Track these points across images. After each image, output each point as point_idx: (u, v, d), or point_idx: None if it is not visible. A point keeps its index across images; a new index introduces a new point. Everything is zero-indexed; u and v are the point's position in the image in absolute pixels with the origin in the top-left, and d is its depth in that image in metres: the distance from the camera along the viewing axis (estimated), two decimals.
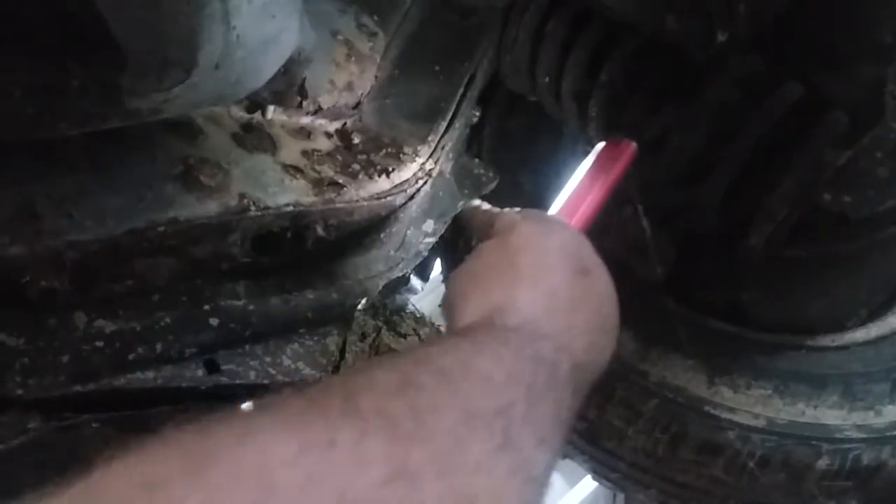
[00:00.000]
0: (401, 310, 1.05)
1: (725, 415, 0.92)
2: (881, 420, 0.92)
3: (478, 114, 0.91)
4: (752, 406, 0.92)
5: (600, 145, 0.78)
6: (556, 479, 2.57)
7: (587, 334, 0.55)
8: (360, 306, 0.85)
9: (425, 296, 1.19)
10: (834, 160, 0.80)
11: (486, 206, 0.78)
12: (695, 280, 0.97)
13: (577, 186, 0.75)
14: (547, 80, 0.90)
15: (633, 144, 0.78)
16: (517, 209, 0.69)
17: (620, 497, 1.88)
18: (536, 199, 1.06)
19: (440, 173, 0.86)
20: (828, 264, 0.95)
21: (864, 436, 0.91)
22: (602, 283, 0.60)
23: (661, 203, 0.92)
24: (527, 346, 0.49)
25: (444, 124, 0.85)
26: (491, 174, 0.89)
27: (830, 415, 0.92)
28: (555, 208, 0.74)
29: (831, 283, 0.98)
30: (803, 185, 0.81)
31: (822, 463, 0.91)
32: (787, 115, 0.81)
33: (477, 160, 0.93)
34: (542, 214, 0.69)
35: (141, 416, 0.74)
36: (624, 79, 0.88)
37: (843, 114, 0.79)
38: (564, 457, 1.13)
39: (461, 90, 0.85)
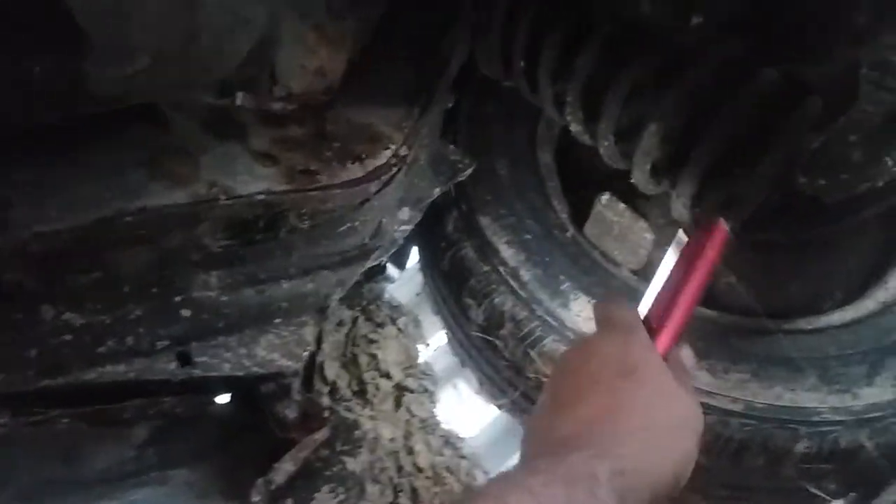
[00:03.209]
0: (377, 299, 1.04)
1: (704, 399, 0.92)
2: (858, 402, 0.92)
3: (453, 99, 0.90)
4: (730, 390, 0.92)
5: (686, 234, 0.72)
6: None
7: (635, 436, 0.51)
8: (335, 296, 0.84)
9: (402, 284, 1.18)
10: (809, 144, 0.80)
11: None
12: None
13: (666, 285, 0.68)
14: (522, 65, 0.89)
15: (725, 226, 0.70)
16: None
17: None
18: (513, 185, 1.06)
19: (415, 160, 0.85)
20: (803, 248, 0.96)
21: (842, 418, 0.91)
22: (651, 379, 0.56)
23: (637, 189, 0.92)
24: (559, 467, 0.47)
25: (419, 110, 0.84)
26: (467, 160, 0.88)
27: (808, 398, 0.92)
28: (643, 310, 0.68)
29: (807, 266, 0.99)
30: (779, 169, 0.81)
31: (801, 446, 0.91)
32: (764, 101, 0.81)
33: (452, 146, 0.92)
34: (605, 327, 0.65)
35: (113, 410, 0.73)
36: (600, 64, 0.87)
37: (818, 97, 0.79)
38: None
39: (435, 75, 0.84)
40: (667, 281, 0.68)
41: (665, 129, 0.84)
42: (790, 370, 0.93)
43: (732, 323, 0.96)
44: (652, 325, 0.65)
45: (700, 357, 0.94)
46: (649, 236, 0.95)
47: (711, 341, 0.95)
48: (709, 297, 0.97)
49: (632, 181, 0.91)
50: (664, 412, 0.54)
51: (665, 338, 0.63)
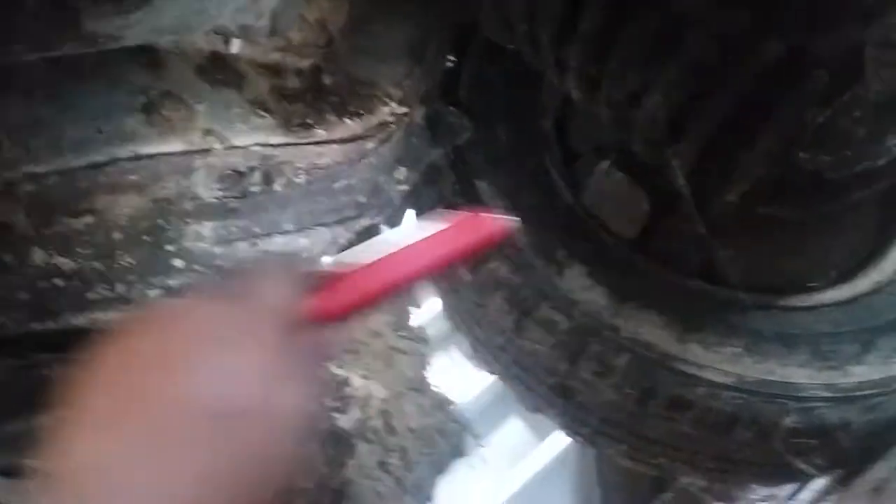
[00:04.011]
0: None
1: (695, 371, 0.92)
2: (848, 380, 0.92)
3: (453, 60, 0.89)
4: (721, 363, 0.92)
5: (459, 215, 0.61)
6: (526, 434, 2.60)
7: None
8: (329, 254, 0.84)
9: (396, 247, 1.17)
10: (813, 119, 0.79)
11: None
12: (668, 237, 0.97)
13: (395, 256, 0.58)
14: (525, 27, 0.88)
15: (502, 222, 0.60)
16: None
17: (591, 452, 1.91)
18: (512, 151, 1.05)
19: (414, 119, 0.84)
20: (801, 224, 0.95)
21: (832, 395, 0.91)
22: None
23: (637, 160, 0.91)
24: None
25: (419, 69, 0.83)
26: (465, 123, 0.87)
27: (799, 374, 0.92)
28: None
29: (804, 243, 0.98)
30: (782, 143, 0.81)
31: (789, 421, 0.92)
32: (768, 73, 0.80)
33: (452, 108, 0.91)
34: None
35: None
36: (603, 31, 0.86)
37: (825, 71, 0.78)
38: (536, 411, 1.14)
39: (437, 34, 0.83)
40: (399, 252, 0.59)
41: (667, 99, 0.83)
42: (783, 346, 0.93)
43: (727, 297, 0.95)
44: (334, 287, 0.56)
45: (693, 331, 0.95)
46: (646, 206, 0.95)
47: (705, 314, 0.94)
48: (705, 270, 0.97)
49: (632, 150, 0.91)
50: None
51: (333, 303, 0.55)
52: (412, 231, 0.59)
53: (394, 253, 0.57)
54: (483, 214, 0.60)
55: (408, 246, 0.58)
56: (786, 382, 0.92)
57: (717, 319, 0.94)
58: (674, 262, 0.97)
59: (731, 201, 0.86)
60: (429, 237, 0.58)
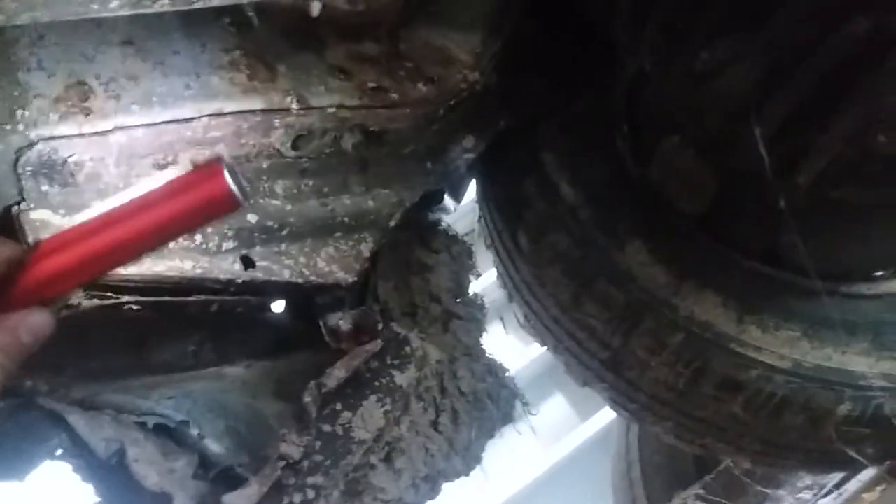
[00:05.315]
0: (434, 225, 1.06)
1: (751, 353, 0.92)
2: None
3: (528, 29, 0.89)
4: (779, 347, 0.91)
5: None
6: (568, 412, 2.63)
7: None
8: (396, 216, 0.86)
9: (459, 219, 1.18)
10: (893, 101, 0.77)
11: None
12: (733, 217, 0.96)
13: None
14: None
15: (227, 181, 0.53)
16: None
17: (634, 430, 1.92)
18: (582, 122, 1.04)
19: (486, 87, 0.85)
20: (871, 210, 0.93)
21: (889, 385, 0.90)
22: None
23: (708, 135, 0.90)
24: None
25: (495, 37, 0.83)
26: (537, 93, 0.87)
27: (857, 362, 0.92)
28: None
29: (872, 229, 0.96)
30: (859, 124, 0.79)
31: (844, 409, 0.91)
32: (851, 51, 0.78)
33: (525, 79, 0.91)
34: None
35: (178, 302, 0.77)
36: (681, 3, 0.85)
37: None
38: (584, 385, 1.15)
39: (514, 3, 0.83)
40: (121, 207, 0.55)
41: (747, 73, 0.82)
42: (843, 333, 0.92)
43: (789, 280, 0.94)
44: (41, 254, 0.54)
45: (752, 312, 0.94)
46: (714, 184, 0.94)
47: (766, 297, 0.94)
48: (769, 252, 0.96)
49: (702, 126, 0.90)
50: None
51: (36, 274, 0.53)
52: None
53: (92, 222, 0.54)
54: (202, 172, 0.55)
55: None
56: (843, 370, 0.91)
57: (778, 302, 0.93)
58: (737, 243, 0.96)
59: (802, 182, 0.85)
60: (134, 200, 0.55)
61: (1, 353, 0.53)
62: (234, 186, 0.54)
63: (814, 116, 0.81)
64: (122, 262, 0.57)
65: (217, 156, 0.54)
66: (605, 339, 1.00)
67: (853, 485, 1.21)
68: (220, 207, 0.55)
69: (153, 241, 0.55)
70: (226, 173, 0.54)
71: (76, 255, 0.54)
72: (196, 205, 0.54)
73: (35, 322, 0.55)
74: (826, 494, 1.29)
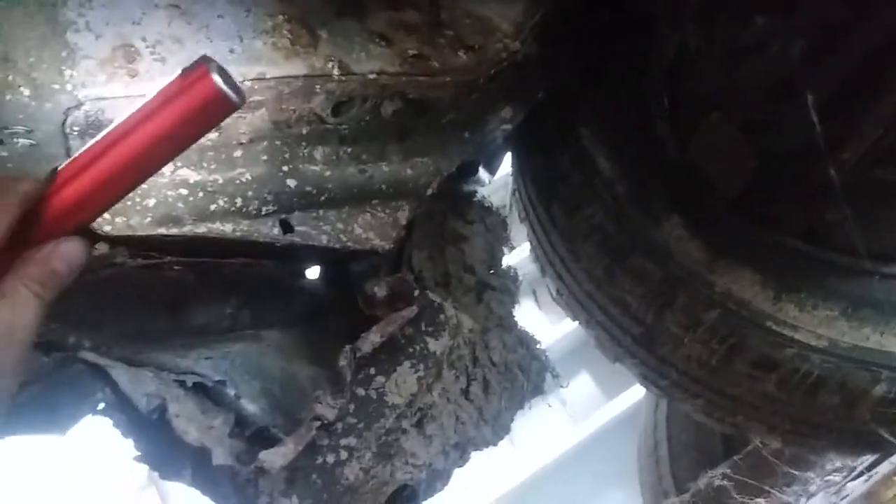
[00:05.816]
0: (469, 196, 1.06)
1: (787, 332, 0.91)
2: None
3: (569, 2, 0.88)
4: (816, 326, 0.91)
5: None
6: (594, 391, 2.64)
7: None
8: (433, 185, 0.86)
9: (494, 192, 1.18)
10: None
11: None
12: (773, 195, 0.95)
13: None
14: None
15: (214, 79, 0.52)
16: None
17: (662, 408, 1.91)
18: (621, 98, 1.03)
19: (525, 57, 0.84)
20: None
21: None
22: None
23: (750, 113, 0.89)
24: None
25: (535, 6, 0.83)
26: (578, 66, 0.86)
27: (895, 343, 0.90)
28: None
29: None
30: None
31: (880, 389, 0.90)
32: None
33: (564, 50, 0.90)
34: None
35: (218, 264, 0.78)
36: None
37: None
38: (615, 361, 1.15)
39: None
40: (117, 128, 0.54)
41: (791, 50, 0.81)
42: (882, 314, 0.91)
43: (828, 259, 0.93)
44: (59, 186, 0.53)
45: (789, 291, 0.93)
46: (753, 162, 0.93)
47: (804, 276, 0.93)
48: (808, 231, 0.95)
49: (743, 104, 0.88)
50: None
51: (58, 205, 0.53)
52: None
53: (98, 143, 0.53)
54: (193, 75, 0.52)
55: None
56: (881, 350, 0.90)
57: (816, 281, 0.92)
58: (775, 221, 0.95)
59: (844, 162, 0.84)
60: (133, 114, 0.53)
61: (36, 283, 0.52)
62: (224, 86, 0.52)
63: (859, 94, 0.80)
64: (138, 178, 0.56)
65: (202, 56, 0.53)
66: (639, 315, 1.00)
67: (885, 467, 1.19)
68: (216, 110, 0.54)
69: (161, 151, 0.55)
70: (214, 75, 0.52)
71: (91, 177, 0.54)
72: (192, 109, 0.53)
73: (67, 250, 0.55)
74: (856, 477, 1.28)
